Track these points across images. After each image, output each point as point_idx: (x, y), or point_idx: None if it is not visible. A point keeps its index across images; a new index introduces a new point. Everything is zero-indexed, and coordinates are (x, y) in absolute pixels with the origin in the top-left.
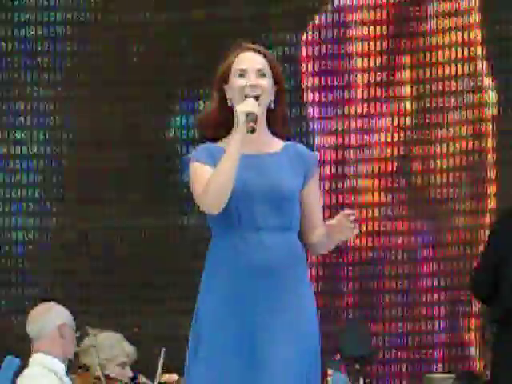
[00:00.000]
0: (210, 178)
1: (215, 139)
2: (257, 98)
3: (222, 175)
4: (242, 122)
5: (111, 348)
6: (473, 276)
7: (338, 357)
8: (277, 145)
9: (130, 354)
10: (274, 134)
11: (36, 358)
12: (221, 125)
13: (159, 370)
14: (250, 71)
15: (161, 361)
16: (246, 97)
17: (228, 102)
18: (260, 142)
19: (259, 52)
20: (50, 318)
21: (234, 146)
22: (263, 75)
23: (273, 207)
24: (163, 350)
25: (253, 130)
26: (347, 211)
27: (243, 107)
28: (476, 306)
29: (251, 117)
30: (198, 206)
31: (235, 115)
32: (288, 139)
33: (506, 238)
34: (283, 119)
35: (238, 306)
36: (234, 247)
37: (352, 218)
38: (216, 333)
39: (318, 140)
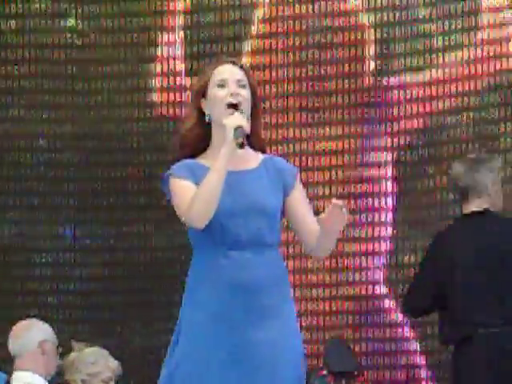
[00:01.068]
0: (197, 191)
1: (193, 156)
2: (236, 106)
3: (209, 189)
4: (230, 137)
5: (95, 364)
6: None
7: (325, 372)
8: (254, 159)
9: (115, 370)
10: (251, 146)
11: (18, 376)
12: (199, 141)
13: None
14: (230, 81)
15: None
16: (228, 106)
17: (206, 117)
18: (238, 157)
19: (237, 64)
20: (31, 335)
21: (221, 160)
22: (243, 86)
23: (255, 225)
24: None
25: (242, 145)
26: (336, 201)
27: (231, 121)
28: None
29: (240, 131)
30: (182, 220)
31: (213, 130)
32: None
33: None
34: (259, 133)
35: (221, 324)
36: (218, 265)
37: (341, 205)
38: (199, 349)
39: None
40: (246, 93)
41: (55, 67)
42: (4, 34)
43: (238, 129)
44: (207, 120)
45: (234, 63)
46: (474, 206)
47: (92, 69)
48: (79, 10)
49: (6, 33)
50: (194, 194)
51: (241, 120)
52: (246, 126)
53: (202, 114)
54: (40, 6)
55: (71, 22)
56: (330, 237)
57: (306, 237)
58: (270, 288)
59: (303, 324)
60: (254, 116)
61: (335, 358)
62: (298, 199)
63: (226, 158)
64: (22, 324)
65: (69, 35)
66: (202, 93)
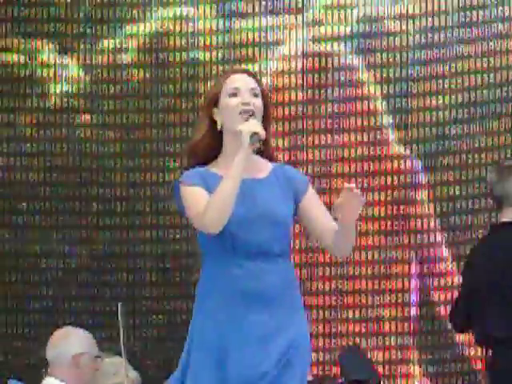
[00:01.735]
0: (212, 197)
1: (203, 164)
2: (251, 115)
3: (224, 194)
4: (245, 143)
5: (116, 374)
6: (452, 306)
7: (341, 380)
8: (265, 168)
9: (135, 380)
10: (261, 154)
11: (48, 382)
12: (210, 150)
13: (121, 330)
14: (243, 90)
15: (119, 318)
16: (239, 114)
17: (218, 125)
18: (249, 165)
19: (250, 74)
20: (67, 346)
21: (237, 166)
22: (256, 95)
23: (267, 234)
24: (119, 305)
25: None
26: (347, 185)
27: (248, 127)
28: None
29: (256, 137)
30: (195, 227)
31: (225, 138)
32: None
33: (478, 271)
34: (269, 141)
35: (235, 333)
36: (228, 273)
37: (353, 187)
38: (211, 359)
39: None
40: (258, 102)
41: None
42: None
43: (253, 135)
44: (219, 128)
45: (246, 72)
46: (505, 216)
47: None
48: None
49: None
50: (208, 200)
51: (257, 126)
52: (262, 132)
53: (213, 122)
54: None
55: None
56: (349, 229)
57: (324, 235)
58: (281, 297)
59: (320, 331)
60: (265, 124)
61: (352, 366)
62: (312, 203)
63: (241, 163)
64: (60, 332)
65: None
66: (214, 101)
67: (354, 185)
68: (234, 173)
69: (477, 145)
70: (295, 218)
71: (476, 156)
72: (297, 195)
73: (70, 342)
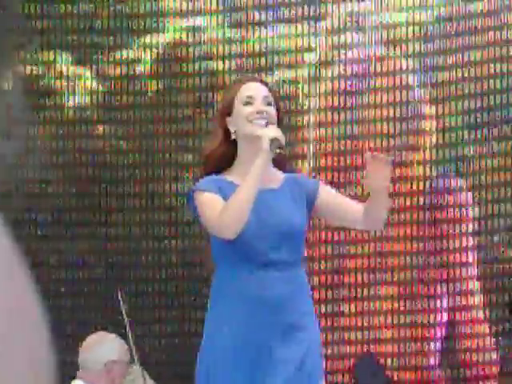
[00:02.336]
0: (230, 201)
1: (217, 173)
2: (267, 123)
3: (242, 198)
4: (266, 147)
5: (134, 381)
6: None
7: None
8: (278, 178)
9: None
10: (274, 163)
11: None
12: (223, 158)
13: (124, 315)
14: (257, 98)
15: (121, 303)
16: (254, 122)
17: (232, 134)
18: (263, 175)
19: (262, 82)
20: (99, 352)
21: (256, 170)
22: (269, 103)
23: (282, 243)
24: (119, 292)
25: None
26: (369, 154)
27: (267, 133)
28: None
29: (276, 143)
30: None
31: (240, 146)
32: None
33: None
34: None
35: (247, 340)
36: (242, 282)
37: (376, 153)
38: (223, 367)
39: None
40: (272, 110)
41: None
42: None
43: (274, 140)
44: (233, 137)
45: (259, 80)
46: None
47: None
48: None
49: None
50: (226, 203)
51: (276, 132)
52: (282, 137)
53: (227, 131)
54: None
55: None
56: (381, 198)
57: (355, 215)
58: (293, 305)
59: (333, 338)
60: None
61: (365, 374)
62: (329, 195)
63: (261, 168)
64: (94, 337)
65: None
66: (227, 110)
67: (375, 152)
68: (253, 176)
69: None
70: (320, 219)
71: None
72: (310, 197)
73: (104, 348)
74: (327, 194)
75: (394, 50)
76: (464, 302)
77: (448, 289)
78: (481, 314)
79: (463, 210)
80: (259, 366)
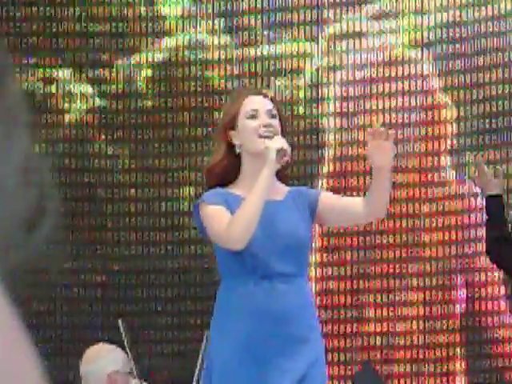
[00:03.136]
0: (238, 212)
1: (221, 186)
2: (271, 137)
3: (250, 209)
4: (271, 159)
5: None
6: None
7: None
8: (282, 190)
9: None
10: (277, 176)
11: None
12: (227, 172)
13: (126, 343)
14: (261, 112)
15: (122, 332)
16: (260, 136)
17: (237, 148)
18: (270, 186)
19: (265, 95)
20: (102, 364)
21: (263, 181)
22: (273, 116)
23: (288, 254)
24: (120, 321)
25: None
26: (370, 129)
27: (274, 143)
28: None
29: (282, 153)
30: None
31: (244, 160)
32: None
33: None
34: (287, 164)
35: (251, 352)
36: (247, 293)
37: (378, 127)
38: (229, 378)
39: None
40: (276, 123)
41: None
42: None
43: (280, 151)
44: (238, 151)
45: (262, 93)
46: None
47: None
48: None
49: None
50: (234, 215)
51: (282, 142)
52: (288, 148)
53: (230, 145)
54: None
55: None
56: (383, 179)
57: (353, 210)
58: (298, 317)
59: (332, 345)
60: None
61: (364, 382)
62: (330, 198)
63: (268, 178)
64: (95, 348)
65: None
66: (231, 124)
67: (377, 126)
68: (260, 187)
69: None
70: (326, 225)
71: None
72: (312, 205)
73: (105, 359)
74: (328, 199)
75: (421, 52)
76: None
77: (472, 293)
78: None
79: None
80: (264, 378)
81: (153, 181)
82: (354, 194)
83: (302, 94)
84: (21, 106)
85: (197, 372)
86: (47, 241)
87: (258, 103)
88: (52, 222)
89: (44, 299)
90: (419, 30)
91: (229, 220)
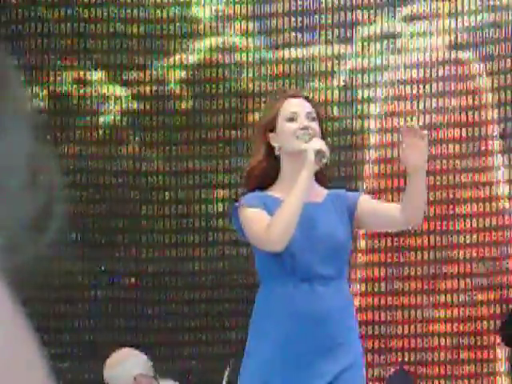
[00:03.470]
0: (277, 214)
1: (260, 189)
2: (310, 140)
3: (289, 210)
4: (310, 160)
5: None
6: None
7: None
8: (321, 193)
9: None
10: (316, 179)
11: None
12: (266, 175)
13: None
14: (300, 114)
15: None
16: (298, 138)
17: (276, 150)
18: (308, 188)
19: (305, 98)
20: (126, 368)
21: (302, 182)
22: (313, 119)
23: (327, 256)
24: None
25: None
26: (405, 127)
27: (312, 145)
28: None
29: (321, 155)
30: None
31: (283, 162)
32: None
33: None
34: (325, 166)
35: (291, 354)
36: (287, 296)
37: (413, 125)
38: (269, 379)
39: None
40: (315, 125)
41: None
42: None
43: (319, 152)
44: (277, 153)
45: (302, 96)
46: None
47: None
48: None
49: None
50: (273, 217)
51: (321, 144)
52: (327, 149)
53: (269, 147)
54: None
55: None
56: (419, 182)
57: (391, 215)
58: (337, 319)
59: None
60: None
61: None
62: (369, 202)
63: (307, 180)
64: (118, 354)
65: None
66: (270, 126)
67: (412, 123)
68: (299, 188)
69: None
70: (362, 229)
71: None
72: (351, 208)
73: (130, 363)
74: (367, 203)
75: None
76: None
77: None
78: None
79: None
80: (303, 379)
81: (187, 183)
82: (396, 195)
83: (336, 95)
84: (26, 109)
85: None
86: (57, 242)
87: (297, 106)
88: (58, 224)
89: (68, 300)
90: (456, 32)
91: (268, 222)
